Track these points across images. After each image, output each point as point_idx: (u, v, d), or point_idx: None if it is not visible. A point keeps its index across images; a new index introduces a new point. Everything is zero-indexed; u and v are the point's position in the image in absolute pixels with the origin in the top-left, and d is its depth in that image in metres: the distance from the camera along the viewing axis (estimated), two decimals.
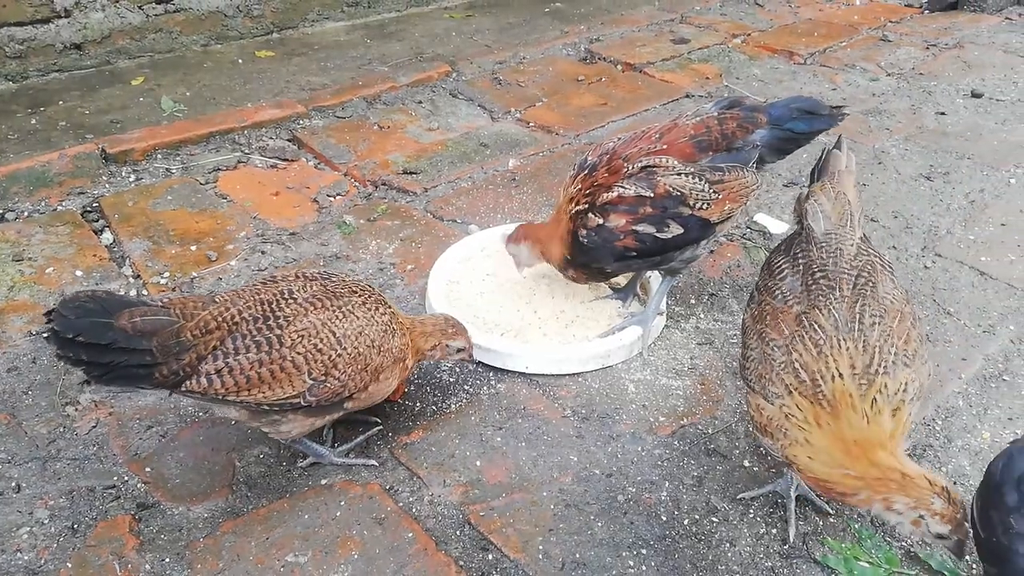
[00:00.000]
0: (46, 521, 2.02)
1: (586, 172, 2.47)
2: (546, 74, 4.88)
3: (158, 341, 1.84)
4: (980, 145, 4.00)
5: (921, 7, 6.32)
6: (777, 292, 1.95)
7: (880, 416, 1.67)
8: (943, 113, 4.39)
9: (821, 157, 2.41)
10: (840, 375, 1.70)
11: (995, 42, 5.49)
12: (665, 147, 2.43)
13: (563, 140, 4.06)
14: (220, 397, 1.91)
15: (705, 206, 2.39)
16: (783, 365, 1.78)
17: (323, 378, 1.96)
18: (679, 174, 2.38)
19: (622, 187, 2.38)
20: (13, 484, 2.11)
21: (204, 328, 1.89)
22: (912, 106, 4.48)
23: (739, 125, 2.47)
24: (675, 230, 2.39)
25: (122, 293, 2.78)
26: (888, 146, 4.01)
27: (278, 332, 1.92)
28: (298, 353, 1.93)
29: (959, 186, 3.62)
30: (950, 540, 1.63)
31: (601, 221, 2.38)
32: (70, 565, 1.90)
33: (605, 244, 2.40)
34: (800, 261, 2.00)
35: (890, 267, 2.02)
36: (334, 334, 1.98)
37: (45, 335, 1.83)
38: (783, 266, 2.03)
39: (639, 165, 2.40)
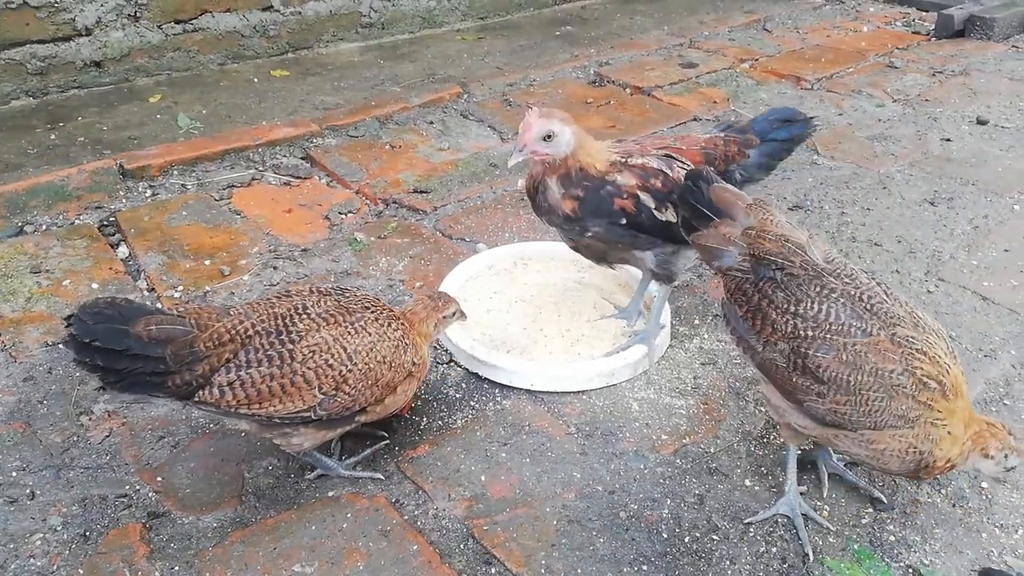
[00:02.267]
0: (59, 528, 2.06)
1: (618, 141, 2.58)
2: (556, 96, 4.96)
3: (172, 350, 1.89)
4: (984, 171, 4.04)
5: (928, 34, 6.38)
6: (842, 330, 1.90)
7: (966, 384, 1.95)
8: (948, 139, 4.43)
9: (700, 193, 2.23)
10: (949, 366, 1.89)
11: (1001, 70, 5.54)
12: (682, 148, 2.57)
13: None
14: (232, 410, 1.95)
15: None
16: (914, 385, 1.86)
17: (333, 393, 2.00)
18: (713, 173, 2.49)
19: (650, 160, 2.48)
20: (27, 491, 2.16)
21: (218, 340, 1.94)
22: (917, 132, 4.53)
23: (739, 149, 2.62)
24: (670, 216, 2.45)
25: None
26: (893, 171, 4.05)
27: (290, 347, 1.97)
28: (309, 368, 1.97)
29: (963, 212, 3.66)
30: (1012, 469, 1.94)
31: (618, 177, 2.44)
32: (82, 571, 1.95)
33: (608, 196, 2.42)
34: (823, 294, 1.95)
35: None
36: (345, 350, 2.02)
37: (63, 340, 1.89)
38: (810, 311, 1.94)
39: (662, 152, 2.53)
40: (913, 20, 6.77)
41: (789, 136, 2.70)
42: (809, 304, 1.96)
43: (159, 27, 4.97)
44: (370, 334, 2.07)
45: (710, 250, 2.16)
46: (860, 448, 1.94)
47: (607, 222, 2.44)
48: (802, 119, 2.75)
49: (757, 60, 5.69)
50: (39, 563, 1.96)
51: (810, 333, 1.93)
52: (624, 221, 2.44)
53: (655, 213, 2.44)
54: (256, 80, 5.08)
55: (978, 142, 4.40)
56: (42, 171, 3.77)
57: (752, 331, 2.05)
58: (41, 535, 2.04)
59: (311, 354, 1.98)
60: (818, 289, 1.98)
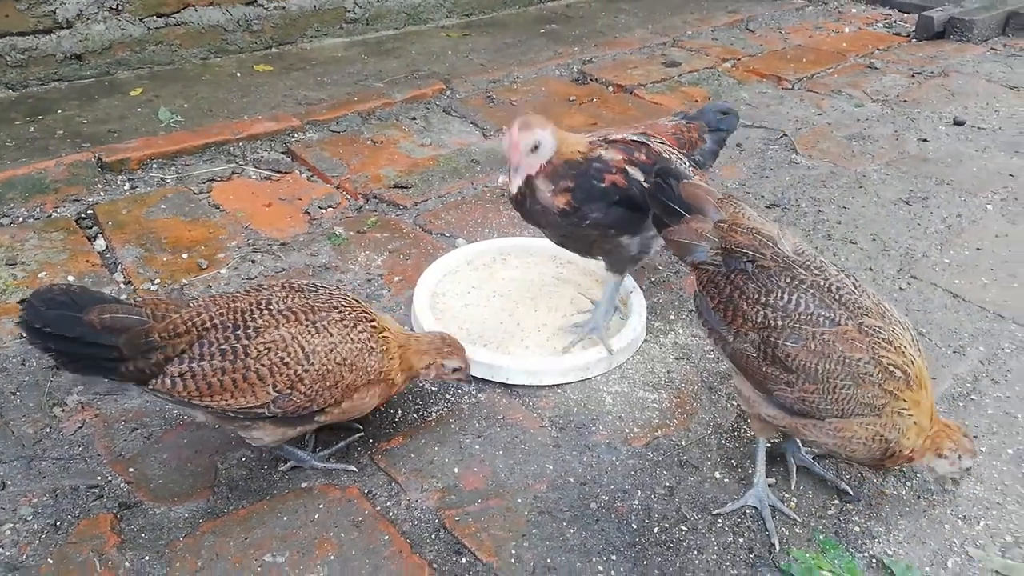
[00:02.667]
0: (29, 518, 2.06)
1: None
2: (538, 94, 4.98)
3: (126, 338, 1.91)
4: (959, 171, 4.09)
5: (909, 36, 6.44)
6: (811, 320, 1.93)
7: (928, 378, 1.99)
8: (925, 140, 4.48)
9: (670, 190, 2.25)
10: (914, 358, 1.94)
11: (979, 71, 5.60)
12: (654, 133, 2.67)
13: None
14: (185, 400, 1.96)
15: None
16: (880, 374, 1.90)
17: (288, 391, 1.99)
18: (667, 146, 2.62)
19: (628, 135, 2.56)
20: None
21: (173, 331, 1.95)
22: (895, 132, 4.58)
23: (699, 135, 2.77)
24: None
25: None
26: (870, 171, 4.10)
27: (245, 343, 1.96)
28: (263, 365, 1.96)
29: (937, 211, 3.70)
30: (968, 471, 2.00)
31: (602, 153, 2.48)
32: (51, 561, 1.95)
33: (597, 172, 2.44)
34: (792, 285, 1.99)
35: None
36: (303, 349, 2.00)
37: (16, 321, 1.91)
38: (780, 301, 1.98)
39: (634, 136, 2.59)
40: (894, 22, 6.84)
41: (728, 127, 2.89)
42: (779, 295, 1.99)
43: (141, 20, 4.95)
44: (331, 335, 2.05)
45: (682, 245, 2.18)
46: (828, 436, 1.97)
47: (604, 204, 2.46)
48: (735, 112, 2.96)
49: (739, 60, 5.73)
50: (8, 552, 1.96)
51: (780, 323, 1.96)
52: (617, 198, 2.47)
53: (644, 185, 2.47)
54: (239, 74, 5.07)
55: (954, 142, 4.46)
56: (20, 163, 3.75)
57: (724, 322, 2.07)
58: (11, 525, 2.04)
59: (266, 351, 1.97)
60: (788, 280, 2.01)
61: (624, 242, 2.58)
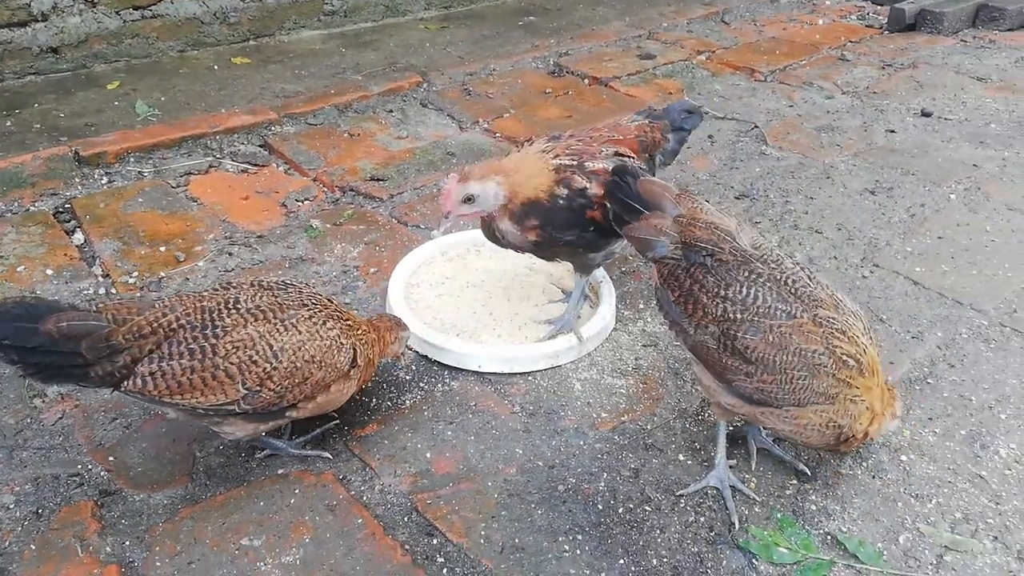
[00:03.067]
0: (11, 506, 2.11)
1: (553, 139, 2.63)
2: (515, 86, 5.03)
3: (87, 344, 1.93)
4: (925, 162, 4.20)
5: (881, 28, 6.55)
6: (768, 312, 2.00)
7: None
8: (893, 131, 4.58)
9: (628, 188, 2.29)
10: (866, 347, 2.03)
11: (948, 63, 5.71)
12: (620, 138, 2.70)
13: None
14: (157, 398, 2.00)
15: None
16: (834, 364, 1.98)
17: (258, 388, 2.04)
18: (641, 168, 2.62)
19: (603, 163, 2.53)
20: None
21: (138, 332, 1.98)
22: (864, 124, 4.67)
23: (662, 134, 2.82)
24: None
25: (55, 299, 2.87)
26: (838, 162, 4.19)
27: (213, 342, 2.00)
28: (232, 363, 2.00)
29: (901, 200, 3.80)
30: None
31: (586, 186, 2.48)
32: (34, 547, 2.00)
33: (579, 209, 2.48)
34: (751, 279, 2.05)
35: None
36: (271, 347, 2.04)
37: None
38: (738, 295, 2.04)
39: (611, 150, 2.60)
40: (867, 14, 6.94)
41: (692, 126, 2.95)
42: (738, 288, 2.05)
43: (117, 13, 4.95)
44: (300, 332, 2.09)
45: (643, 241, 2.23)
46: (785, 424, 2.06)
47: (579, 231, 2.53)
48: (699, 111, 3.03)
49: (714, 52, 5.81)
50: None
51: (739, 316, 2.03)
52: (592, 228, 2.53)
53: (617, 214, 2.53)
54: (216, 67, 5.08)
55: (921, 133, 4.56)
56: None
57: (684, 315, 2.14)
58: None
59: (235, 349, 2.01)
60: (746, 274, 2.07)
61: (591, 255, 2.67)
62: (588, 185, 2.48)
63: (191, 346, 1.99)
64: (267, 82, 4.90)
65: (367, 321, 2.37)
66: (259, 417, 2.11)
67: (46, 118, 4.28)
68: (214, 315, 2.03)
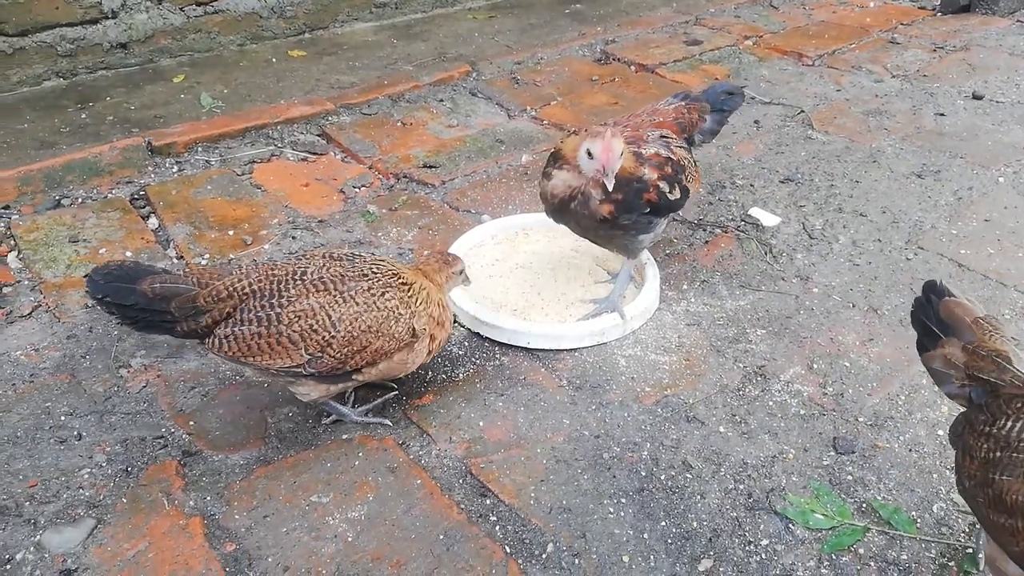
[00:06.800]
0: (104, 464, 2.32)
1: (604, 126, 2.71)
2: (562, 74, 5.13)
3: (176, 304, 2.19)
4: (974, 145, 4.18)
5: (933, 9, 6.45)
6: None
7: None
8: (942, 114, 4.56)
9: (930, 309, 2.03)
10: None
11: (1002, 45, 5.62)
12: (660, 121, 2.87)
13: None
14: (233, 358, 2.21)
15: (691, 179, 2.81)
16: None
17: (320, 355, 2.21)
18: (682, 147, 2.80)
19: (654, 146, 2.71)
20: (75, 433, 2.42)
21: (216, 296, 2.21)
22: (913, 107, 4.66)
23: (700, 115, 2.96)
24: (676, 194, 2.72)
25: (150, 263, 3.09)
26: (885, 145, 4.20)
27: (278, 310, 2.19)
28: (294, 331, 2.18)
29: (948, 184, 3.81)
30: None
31: (645, 170, 2.65)
32: (125, 500, 2.21)
33: (638, 192, 2.62)
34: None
35: None
36: (330, 317, 2.20)
37: (84, 291, 2.22)
38: (1002, 430, 1.72)
39: (657, 133, 2.77)
40: None
41: (732, 107, 3.11)
42: (1004, 422, 1.72)
43: (181, 9, 5.19)
44: (357, 304, 2.24)
45: (934, 373, 1.97)
46: None
47: (637, 215, 2.66)
48: (740, 92, 3.17)
49: (761, 37, 5.81)
50: (87, 493, 2.23)
51: (998, 455, 1.68)
52: (648, 209, 2.67)
53: (668, 196, 2.69)
54: (274, 60, 5.30)
55: (971, 116, 4.53)
56: (75, 148, 4.02)
57: (961, 468, 1.80)
58: (88, 470, 2.30)
59: (296, 318, 2.19)
60: (1019, 404, 1.73)
61: (641, 239, 2.78)
62: (645, 170, 2.64)
63: (259, 314, 2.19)
64: (323, 74, 5.09)
65: (413, 269, 2.44)
66: (328, 379, 2.28)
67: (118, 110, 4.54)
68: (281, 285, 2.22)
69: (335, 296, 2.24)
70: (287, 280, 2.24)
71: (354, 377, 2.33)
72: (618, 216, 2.62)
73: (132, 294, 2.17)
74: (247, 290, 2.22)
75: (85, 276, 2.22)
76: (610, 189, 2.48)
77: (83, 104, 4.61)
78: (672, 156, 2.73)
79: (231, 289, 2.21)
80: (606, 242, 2.84)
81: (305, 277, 2.25)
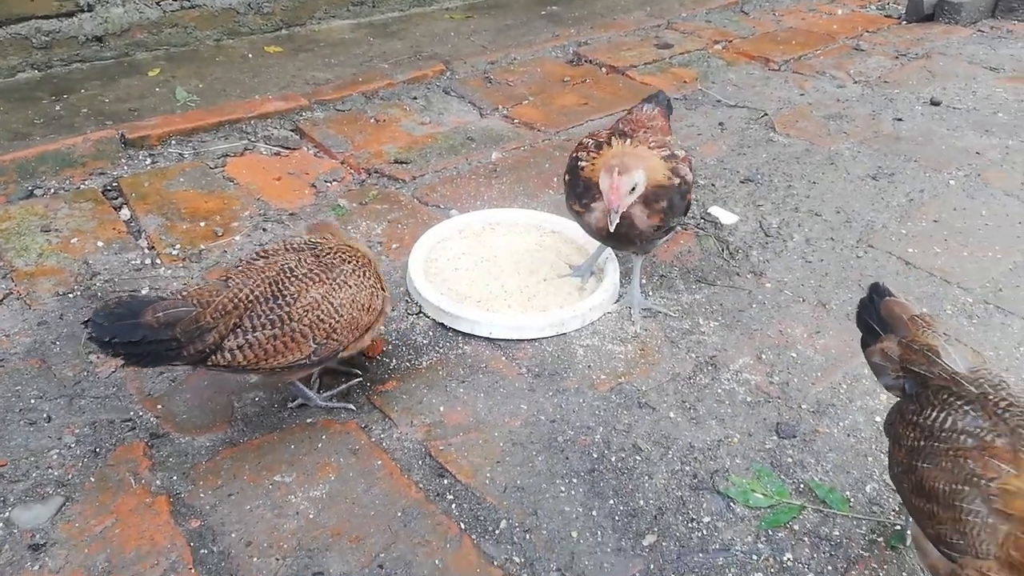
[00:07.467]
0: (72, 445, 2.39)
1: (623, 135, 2.78)
2: (534, 75, 5.23)
3: (181, 328, 2.14)
4: (928, 149, 4.33)
5: (899, 18, 6.64)
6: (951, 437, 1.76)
7: None
8: (900, 119, 4.72)
9: (872, 308, 2.15)
10: None
11: (962, 53, 5.81)
12: (661, 125, 2.99)
13: (543, 136, 4.42)
14: (243, 368, 2.24)
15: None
16: None
17: (325, 341, 2.31)
18: (683, 150, 2.88)
19: (679, 149, 2.81)
20: (45, 415, 2.48)
21: (222, 311, 2.20)
22: (872, 112, 4.81)
23: (666, 119, 3.07)
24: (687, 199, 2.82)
25: (144, 292, 3.14)
26: (843, 149, 4.35)
27: (287, 309, 2.25)
28: (304, 325, 2.26)
29: (901, 186, 3.96)
30: None
31: (685, 169, 2.74)
32: (93, 479, 2.27)
33: (683, 194, 2.72)
34: (961, 400, 1.80)
35: None
36: (332, 304, 2.31)
37: (87, 337, 2.15)
38: (940, 417, 1.80)
39: (669, 139, 2.88)
40: (887, 3, 7.03)
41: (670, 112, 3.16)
42: (930, 412, 1.83)
43: (157, 3, 5.23)
44: (351, 286, 2.37)
45: (874, 366, 2.09)
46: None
47: (682, 215, 2.77)
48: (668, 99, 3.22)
49: (731, 42, 5.96)
50: (56, 472, 2.29)
51: (921, 443, 1.80)
52: (684, 209, 2.78)
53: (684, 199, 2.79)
54: (250, 56, 5.35)
55: (928, 122, 4.69)
56: (49, 140, 4.05)
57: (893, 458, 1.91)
58: (57, 451, 2.36)
59: (306, 313, 2.27)
60: (945, 396, 1.83)
61: (661, 236, 2.86)
62: (685, 169, 2.73)
63: (270, 316, 2.23)
64: (298, 70, 5.16)
65: (349, 247, 2.50)
66: (318, 362, 2.36)
67: (92, 103, 4.58)
68: (279, 285, 2.27)
69: (331, 284, 2.33)
70: (281, 279, 2.29)
71: (339, 354, 2.42)
72: (666, 221, 2.71)
73: (139, 328, 2.10)
74: (251, 297, 2.25)
75: (85, 322, 2.17)
76: (611, 229, 2.52)
77: (57, 96, 4.64)
78: (685, 156, 2.83)
79: (236, 300, 2.22)
80: (634, 246, 2.86)
81: (295, 272, 2.32)
